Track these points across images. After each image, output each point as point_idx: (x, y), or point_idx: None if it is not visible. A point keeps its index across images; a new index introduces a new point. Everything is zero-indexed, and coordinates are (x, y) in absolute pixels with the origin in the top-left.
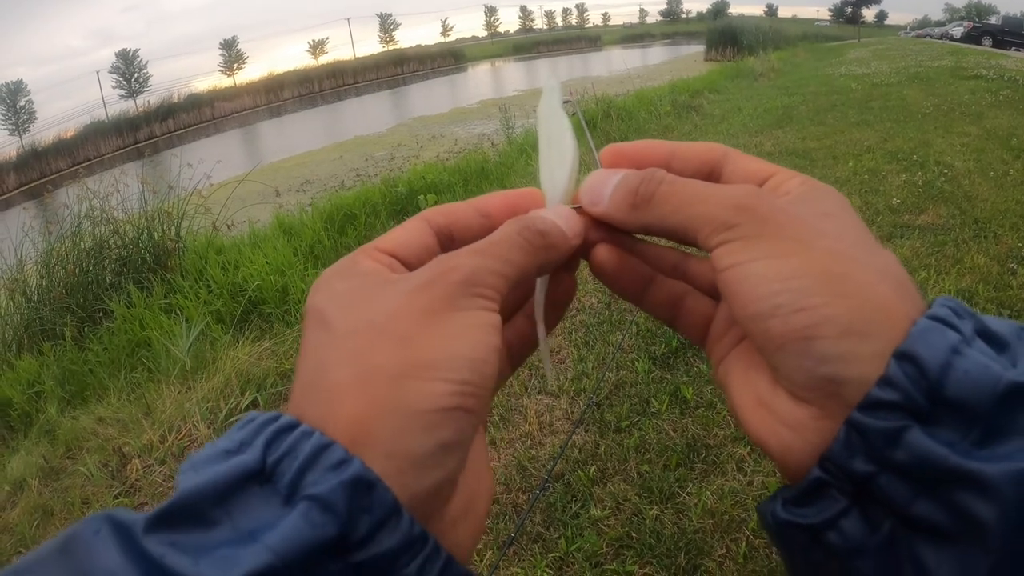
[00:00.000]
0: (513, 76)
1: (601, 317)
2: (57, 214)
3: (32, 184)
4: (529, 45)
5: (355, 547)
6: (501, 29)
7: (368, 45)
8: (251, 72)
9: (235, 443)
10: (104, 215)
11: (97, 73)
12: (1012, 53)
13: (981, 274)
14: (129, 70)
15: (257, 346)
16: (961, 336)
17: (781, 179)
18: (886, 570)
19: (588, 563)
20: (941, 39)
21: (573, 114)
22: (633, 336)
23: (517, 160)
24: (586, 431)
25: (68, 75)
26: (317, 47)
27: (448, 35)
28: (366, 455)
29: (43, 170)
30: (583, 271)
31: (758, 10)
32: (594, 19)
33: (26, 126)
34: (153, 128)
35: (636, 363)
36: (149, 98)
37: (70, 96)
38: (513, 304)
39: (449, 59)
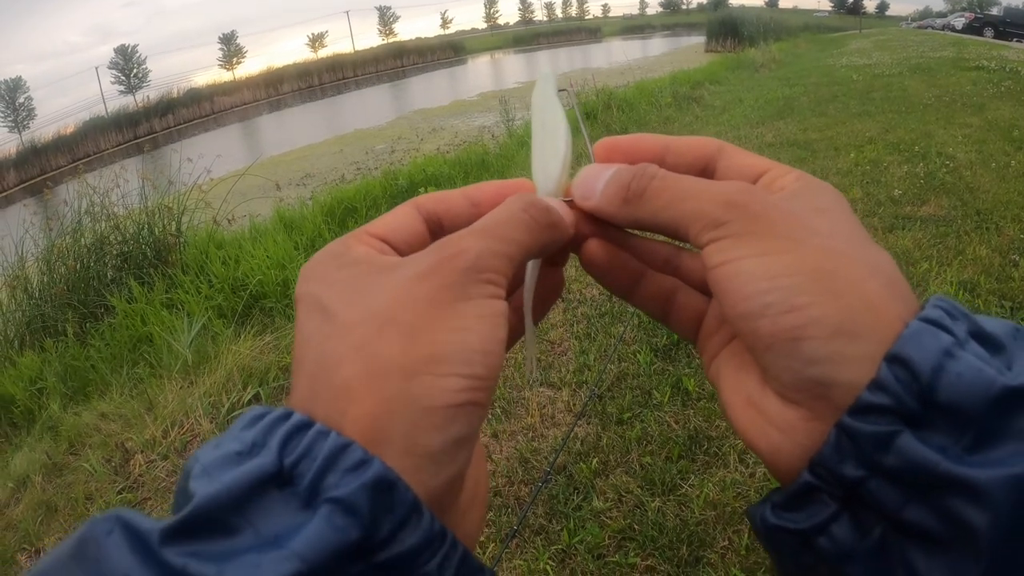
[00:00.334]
0: (513, 68)
1: (603, 309)
2: (57, 210)
3: (32, 181)
4: (529, 37)
5: (378, 547)
6: (501, 21)
7: (367, 38)
8: (250, 66)
9: (247, 444)
10: (104, 211)
11: (96, 69)
12: (1014, 44)
13: (983, 266)
14: (128, 65)
15: (259, 340)
16: (954, 338)
17: (776, 175)
18: (877, 575)
19: (591, 555)
20: (943, 30)
21: (570, 107)
22: (635, 328)
23: (517, 152)
24: (588, 423)
25: (67, 71)
26: (316, 40)
27: (448, 27)
28: (384, 454)
29: (43, 167)
30: (578, 264)
31: (759, 1)
32: (594, 10)
33: (26, 123)
34: (153, 123)
35: (638, 355)
36: (148, 93)
37: (69, 92)
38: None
39: (449, 51)
